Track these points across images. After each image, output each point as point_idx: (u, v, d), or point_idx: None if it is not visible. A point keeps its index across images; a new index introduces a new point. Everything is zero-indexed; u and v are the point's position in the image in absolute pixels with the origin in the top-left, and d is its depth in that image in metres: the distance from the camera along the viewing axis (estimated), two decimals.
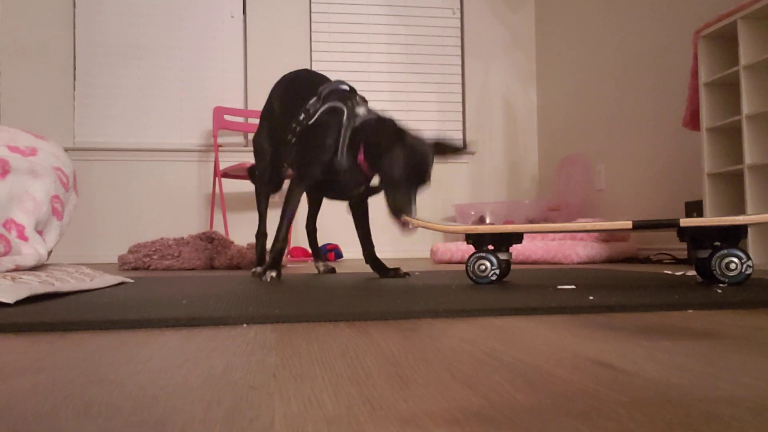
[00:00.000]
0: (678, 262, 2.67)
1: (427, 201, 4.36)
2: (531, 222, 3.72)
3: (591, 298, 0.96)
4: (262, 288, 1.29)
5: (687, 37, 2.92)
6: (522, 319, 0.79)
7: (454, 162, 4.46)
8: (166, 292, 1.18)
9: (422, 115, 4.45)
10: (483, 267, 1.29)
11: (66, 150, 3.99)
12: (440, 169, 4.43)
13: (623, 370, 0.48)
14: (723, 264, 1.15)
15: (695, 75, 2.52)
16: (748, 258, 1.14)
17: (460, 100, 4.52)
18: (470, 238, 1.35)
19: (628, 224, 1.22)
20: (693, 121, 2.56)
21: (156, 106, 4.08)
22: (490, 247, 1.33)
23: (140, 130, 4.05)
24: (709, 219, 1.18)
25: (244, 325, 0.76)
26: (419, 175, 1.52)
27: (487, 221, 3.85)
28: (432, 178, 1.57)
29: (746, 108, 2.25)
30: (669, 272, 1.82)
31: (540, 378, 0.46)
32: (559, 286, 1.20)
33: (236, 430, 0.34)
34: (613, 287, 1.17)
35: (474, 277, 1.30)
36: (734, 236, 1.17)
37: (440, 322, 0.77)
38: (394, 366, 0.51)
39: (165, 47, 4.16)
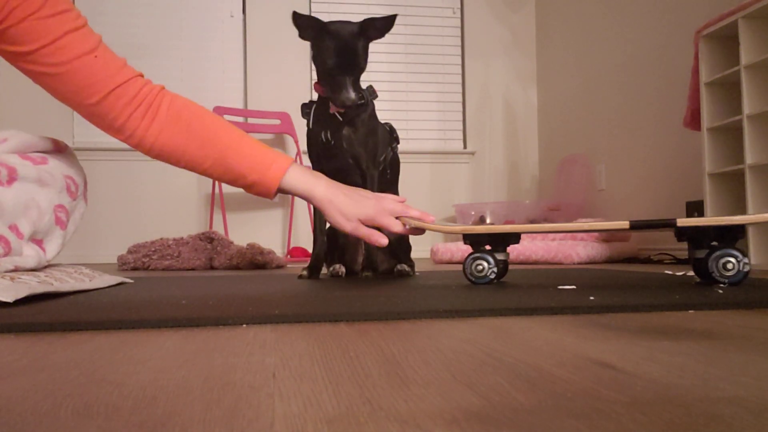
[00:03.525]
0: (678, 262, 2.67)
1: (427, 201, 4.36)
2: (532, 222, 3.72)
3: (592, 298, 0.96)
4: (262, 288, 1.29)
5: (688, 36, 2.92)
6: (522, 319, 0.79)
7: (454, 162, 4.46)
8: (166, 293, 1.18)
9: (422, 115, 4.45)
10: (480, 267, 1.29)
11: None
12: (440, 169, 4.43)
13: (624, 370, 0.48)
14: (720, 264, 1.15)
15: (696, 75, 2.52)
16: (745, 257, 1.15)
17: (460, 100, 4.52)
18: (468, 238, 1.35)
19: (625, 224, 1.22)
20: (694, 121, 2.56)
21: None
22: (488, 247, 1.33)
23: None
24: (707, 219, 1.18)
25: (244, 326, 0.76)
26: (346, 59, 1.55)
27: (488, 221, 3.85)
28: (363, 61, 1.59)
29: (747, 108, 2.25)
30: (669, 272, 1.82)
31: (540, 378, 0.46)
32: (560, 287, 1.20)
33: (236, 431, 0.34)
34: (614, 287, 1.17)
35: (472, 278, 1.30)
36: (732, 236, 1.17)
37: (440, 322, 0.77)
38: (394, 366, 0.51)
39: (165, 47, 4.16)
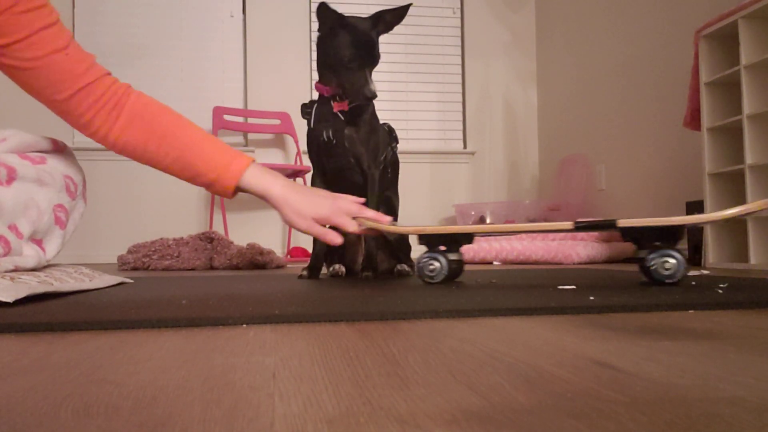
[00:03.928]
0: None
1: (427, 201, 4.36)
2: (532, 222, 3.72)
3: (591, 298, 0.96)
4: (262, 288, 1.29)
5: (687, 36, 2.92)
6: (522, 319, 0.79)
7: (454, 162, 4.45)
8: (166, 292, 1.18)
9: (422, 115, 4.45)
10: (432, 267, 1.34)
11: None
12: (440, 169, 4.43)
13: (624, 370, 0.48)
14: (659, 263, 1.19)
15: (696, 75, 2.52)
16: (683, 257, 1.19)
17: (460, 100, 4.52)
18: (421, 239, 1.39)
19: (570, 225, 1.27)
20: (694, 121, 2.56)
21: None
22: (442, 247, 1.36)
23: None
24: (645, 219, 1.22)
25: (244, 326, 0.76)
26: (365, 52, 1.56)
27: (488, 221, 3.85)
28: (379, 54, 1.60)
29: (747, 108, 2.25)
30: None
31: (540, 378, 0.46)
32: (560, 286, 1.20)
33: (236, 431, 0.34)
34: (614, 287, 1.17)
35: (424, 278, 1.33)
36: (672, 236, 1.21)
37: (440, 322, 0.77)
38: (394, 366, 0.51)
39: (165, 47, 4.16)
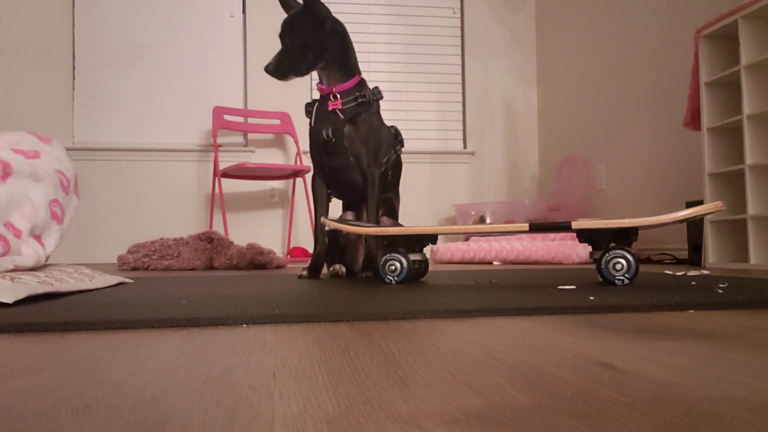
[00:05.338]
0: (678, 262, 2.67)
1: (427, 201, 4.36)
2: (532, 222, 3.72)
3: (591, 298, 0.96)
4: (262, 288, 1.29)
5: (688, 36, 2.92)
6: (522, 319, 0.79)
7: (454, 162, 4.45)
8: (166, 293, 1.18)
9: (422, 115, 4.45)
10: (393, 267, 1.36)
11: (65, 150, 4.01)
12: (440, 169, 4.42)
13: (624, 370, 0.48)
14: (611, 264, 1.22)
15: (696, 75, 2.52)
16: (634, 258, 1.22)
17: (460, 100, 4.52)
18: (384, 239, 1.40)
19: (525, 226, 1.32)
20: (694, 121, 2.56)
21: (156, 106, 4.07)
22: (403, 248, 1.38)
23: (140, 130, 4.05)
24: (598, 222, 1.26)
25: (244, 326, 0.76)
26: (282, 30, 1.66)
27: (488, 221, 3.85)
28: (289, 38, 1.66)
29: (747, 108, 2.25)
30: (669, 272, 1.82)
31: (540, 378, 0.46)
32: (560, 287, 1.20)
33: (236, 431, 0.34)
34: (614, 287, 1.17)
35: (386, 278, 1.36)
36: (626, 238, 1.25)
37: (440, 322, 0.77)
38: (394, 366, 0.51)
39: (165, 47, 4.16)
